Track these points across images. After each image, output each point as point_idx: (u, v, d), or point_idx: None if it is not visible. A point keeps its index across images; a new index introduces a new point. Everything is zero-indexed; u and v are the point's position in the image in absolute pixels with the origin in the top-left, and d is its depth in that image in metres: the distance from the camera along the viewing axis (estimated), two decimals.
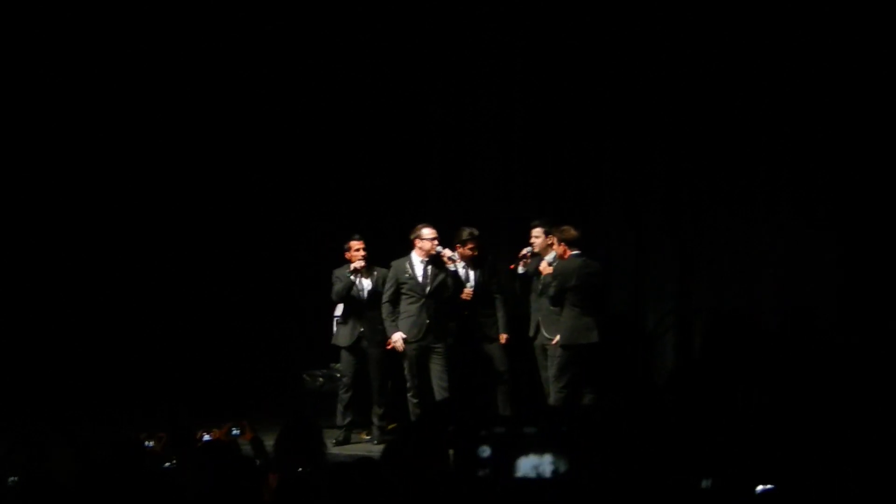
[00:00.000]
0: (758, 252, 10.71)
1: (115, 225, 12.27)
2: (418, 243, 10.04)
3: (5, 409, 10.60)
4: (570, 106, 11.60)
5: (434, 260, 10.02)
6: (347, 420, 10.17)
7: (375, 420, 10.16)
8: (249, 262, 12.32)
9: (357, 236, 10.27)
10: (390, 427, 10.25)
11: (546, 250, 10.00)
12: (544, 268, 9.94)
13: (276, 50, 12.34)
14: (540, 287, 10.02)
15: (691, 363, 10.53)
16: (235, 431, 6.81)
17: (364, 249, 10.21)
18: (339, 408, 10.21)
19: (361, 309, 10.22)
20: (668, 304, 11.08)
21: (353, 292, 10.21)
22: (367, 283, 10.22)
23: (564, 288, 9.76)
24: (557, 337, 9.75)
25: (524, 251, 10.08)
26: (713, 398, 9.03)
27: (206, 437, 6.80)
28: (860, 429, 6.84)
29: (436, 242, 10.03)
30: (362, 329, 10.20)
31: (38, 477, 6.19)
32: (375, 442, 9.99)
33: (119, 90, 12.25)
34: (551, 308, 9.81)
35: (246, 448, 6.58)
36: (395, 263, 10.11)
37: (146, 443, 6.66)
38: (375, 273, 10.23)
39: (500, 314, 10.25)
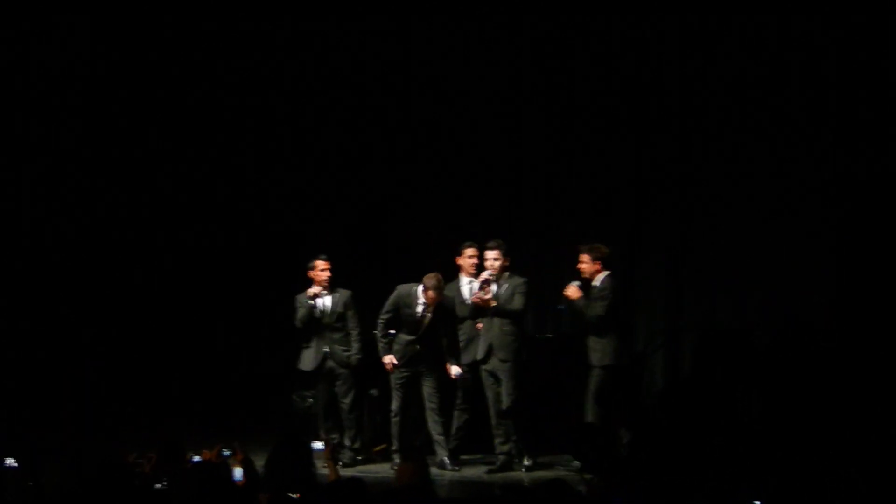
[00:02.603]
0: (751, 266, 10.73)
1: (112, 241, 12.19)
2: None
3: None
4: (569, 121, 11.64)
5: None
6: (335, 440, 9.99)
7: (347, 441, 10.00)
8: (243, 283, 12.27)
9: (323, 256, 10.09)
10: (377, 448, 10.18)
11: (501, 273, 9.62)
12: (574, 292, 9.54)
13: (280, 59, 12.35)
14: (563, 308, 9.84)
15: (683, 380, 10.51)
16: (226, 452, 6.80)
17: (329, 270, 10.05)
18: (322, 433, 10.01)
19: (324, 331, 10.06)
20: (660, 320, 11.11)
21: (315, 314, 10.07)
22: (328, 304, 10.07)
23: (615, 307, 9.57)
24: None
25: (484, 275, 9.66)
26: (706, 415, 9.02)
27: (196, 459, 6.78)
28: (856, 441, 6.85)
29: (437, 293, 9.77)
30: (327, 350, 10.04)
31: (31, 494, 6.21)
32: (348, 462, 9.82)
33: (122, 97, 12.18)
34: (504, 330, 9.52)
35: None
36: (400, 289, 9.91)
37: (137, 461, 6.65)
38: (337, 294, 10.10)
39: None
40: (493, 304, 9.53)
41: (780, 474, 6.43)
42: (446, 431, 9.81)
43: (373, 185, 12.27)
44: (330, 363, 10.06)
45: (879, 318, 9.96)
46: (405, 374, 9.83)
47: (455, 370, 9.75)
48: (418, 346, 9.80)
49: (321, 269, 10.06)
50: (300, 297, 10.14)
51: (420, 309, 9.78)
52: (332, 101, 12.34)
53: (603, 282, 9.55)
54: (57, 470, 6.49)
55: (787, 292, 10.52)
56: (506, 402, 9.49)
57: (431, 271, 9.84)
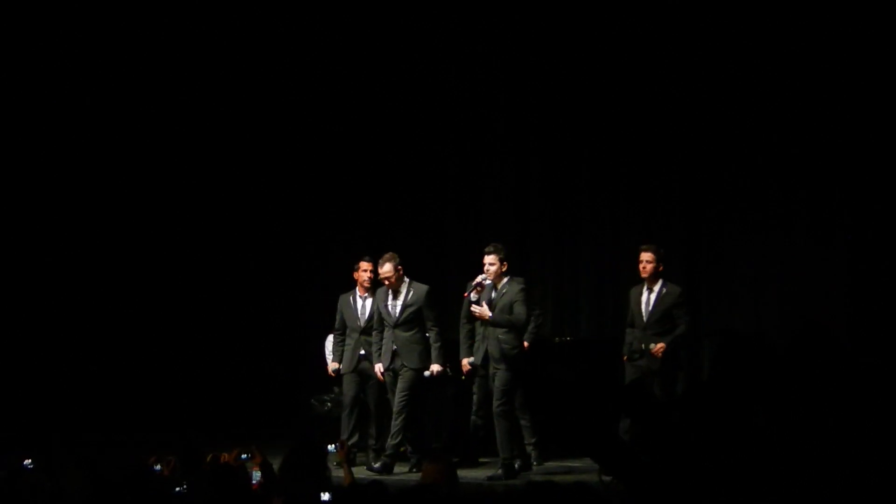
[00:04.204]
0: (767, 272, 10.72)
1: (130, 249, 12.26)
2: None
3: (18, 430, 10.58)
4: (585, 128, 11.69)
5: (396, 291, 9.77)
6: (353, 440, 9.92)
7: (371, 442, 9.99)
8: (261, 286, 12.33)
9: (367, 257, 10.05)
10: (402, 449, 10.14)
11: (499, 279, 9.41)
12: (660, 348, 9.19)
13: (294, 72, 12.44)
14: (646, 318, 9.41)
15: (700, 383, 10.47)
16: (245, 455, 6.81)
17: (372, 272, 9.98)
18: (345, 432, 9.93)
19: (360, 334, 10.01)
20: None
21: (349, 318, 10.01)
22: (367, 307, 10.02)
23: None
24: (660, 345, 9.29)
25: (479, 279, 9.47)
26: (723, 417, 8.97)
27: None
28: (870, 445, 6.82)
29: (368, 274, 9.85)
30: (362, 352, 9.99)
31: (49, 496, 6.23)
32: (373, 464, 9.78)
33: (126, 96, 12.27)
34: (501, 338, 9.29)
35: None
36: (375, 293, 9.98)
37: (155, 466, 6.66)
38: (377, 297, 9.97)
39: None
40: (488, 315, 9.35)
41: (795, 477, 6.41)
42: (390, 433, 9.69)
43: (394, 183, 12.37)
44: (364, 365, 9.99)
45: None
46: (389, 374, 9.78)
47: (433, 368, 9.68)
48: (393, 344, 9.72)
49: (363, 270, 9.99)
50: (342, 298, 10.09)
51: (389, 300, 9.75)
52: (350, 103, 12.43)
53: (668, 287, 9.38)
54: (76, 472, 6.49)
55: (803, 296, 10.51)
56: (495, 406, 9.33)
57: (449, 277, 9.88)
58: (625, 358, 9.50)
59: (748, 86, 10.95)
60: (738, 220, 11.08)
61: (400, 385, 9.67)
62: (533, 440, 9.70)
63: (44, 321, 11.89)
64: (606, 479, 7.32)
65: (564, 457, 9.85)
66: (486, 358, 9.41)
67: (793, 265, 10.69)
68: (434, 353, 9.74)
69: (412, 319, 9.71)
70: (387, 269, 9.67)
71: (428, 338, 9.80)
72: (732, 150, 11.10)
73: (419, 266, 11.14)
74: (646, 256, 9.41)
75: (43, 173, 12.06)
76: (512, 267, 9.86)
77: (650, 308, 9.39)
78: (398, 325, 9.73)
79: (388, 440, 9.67)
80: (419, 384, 9.74)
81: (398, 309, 9.74)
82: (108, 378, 11.85)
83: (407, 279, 9.80)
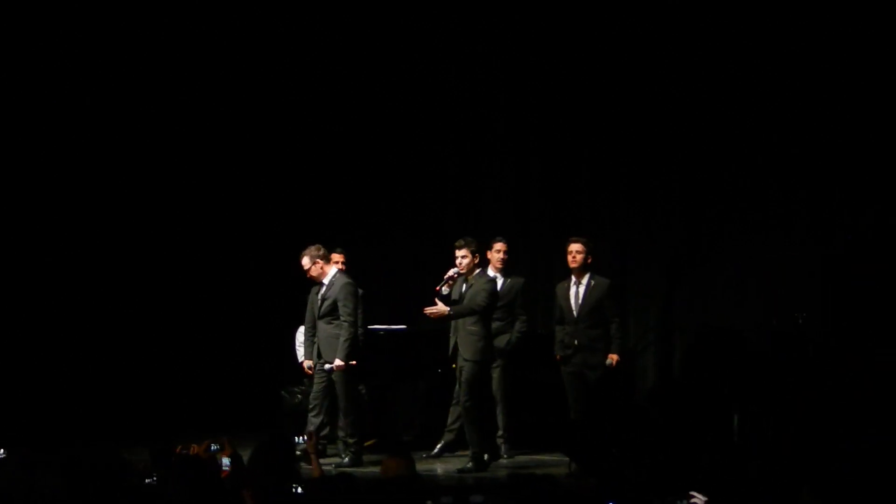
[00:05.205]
0: (744, 269, 10.72)
1: (102, 245, 12.21)
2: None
3: None
4: (585, 128, 11.74)
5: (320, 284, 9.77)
6: (324, 433, 9.90)
7: (341, 434, 9.88)
8: (261, 286, 12.31)
9: (339, 249, 10.07)
10: (367, 443, 10.08)
11: (472, 271, 9.35)
12: (615, 360, 9.36)
13: (293, 72, 12.46)
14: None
15: (674, 378, 10.46)
16: (215, 447, 6.81)
17: (343, 263, 10.00)
18: (311, 426, 9.80)
19: None
20: (652, 318, 11.07)
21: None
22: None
23: None
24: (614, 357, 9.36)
25: (451, 272, 9.42)
26: (697, 413, 8.97)
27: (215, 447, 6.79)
28: (846, 442, 6.81)
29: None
30: None
31: (26, 493, 6.24)
32: (343, 458, 9.66)
33: (121, 95, 12.25)
34: (468, 329, 9.21)
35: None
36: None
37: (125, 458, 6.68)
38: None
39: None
40: (446, 312, 9.25)
41: (769, 473, 6.40)
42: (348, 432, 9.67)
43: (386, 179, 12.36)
44: None
45: (868, 322, 9.89)
46: (316, 368, 9.74)
47: (335, 362, 9.52)
48: (313, 337, 9.67)
49: (334, 262, 9.96)
50: (313, 291, 10.03)
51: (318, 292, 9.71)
52: (349, 103, 12.46)
53: (597, 280, 9.43)
54: (50, 464, 6.52)
55: (804, 296, 10.46)
56: (462, 401, 9.26)
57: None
58: (558, 357, 9.42)
59: (748, 86, 10.93)
60: (738, 220, 11.03)
61: (338, 381, 9.60)
62: (505, 435, 9.66)
63: (19, 315, 11.84)
64: (573, 467, 7.35)
65: (534, 450, 9.80)
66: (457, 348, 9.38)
67: (793, 265, 10.63)
68: (339, 348, 9.55)
69: (330, 312, 9.64)
70: (303, 261, 9.68)
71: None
72: (732, 150, 11.07)
73: (419, 266, 11.17)
74: (575, 247, 9.41)
75: (43, 173, 12.08)
76: (512, 266, 9.91)
77: (580, 301, 9.36)
78: (320, 317, 9.69)
79: (347, 438, 9.62)
80: (350, 378, 9.61)
81: (319, 301, 9.70)
82: (80, 371, 11.77)
83: (333, 272, 9.74)
